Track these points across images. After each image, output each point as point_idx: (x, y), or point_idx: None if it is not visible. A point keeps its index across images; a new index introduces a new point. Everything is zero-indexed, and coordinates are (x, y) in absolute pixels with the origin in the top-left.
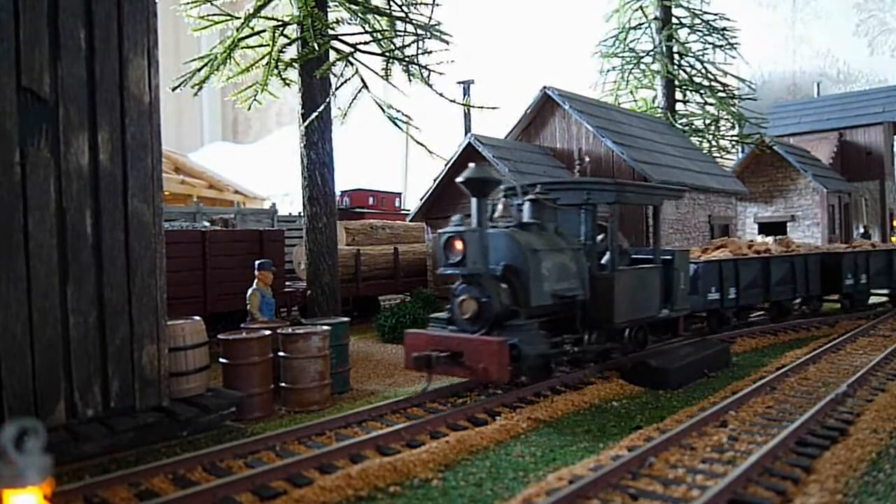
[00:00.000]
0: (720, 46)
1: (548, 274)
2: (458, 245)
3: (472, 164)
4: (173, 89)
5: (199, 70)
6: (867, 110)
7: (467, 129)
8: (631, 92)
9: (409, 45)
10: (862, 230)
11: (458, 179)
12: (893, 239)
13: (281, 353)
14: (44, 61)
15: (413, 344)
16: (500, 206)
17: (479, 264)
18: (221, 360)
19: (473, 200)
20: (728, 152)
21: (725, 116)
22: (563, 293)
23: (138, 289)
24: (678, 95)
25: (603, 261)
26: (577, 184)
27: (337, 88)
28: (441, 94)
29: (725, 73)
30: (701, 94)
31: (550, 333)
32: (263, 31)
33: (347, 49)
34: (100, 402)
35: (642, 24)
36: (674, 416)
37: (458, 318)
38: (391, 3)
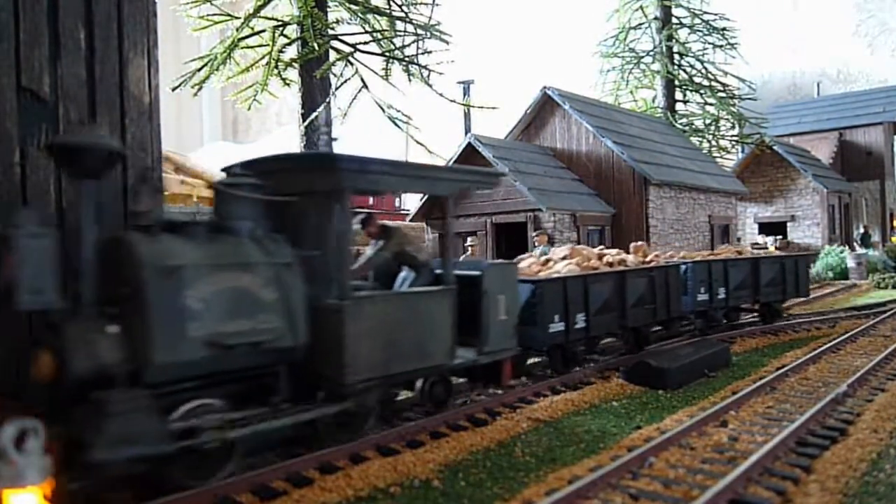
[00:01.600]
0: (720, 46)
1: (201, 308)
2: (10, 260)
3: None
4: (173, 89)
5: (199, 70)
6: (867, 110)
7: (467, 129)
8: (631, 92)
9: (409, 45)
10: (862, 230)
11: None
12: (894, 239)
13: None
14: (44, 61)
15: None
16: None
17: (50, 294)
18: None
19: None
20: (728, 152)
21: (725, 116)
22: (236, 340)
23: None
24: (678, 95)
25: (400, 282)
26: (291, 161)
27: (337, 88)
28: (441, 94)
29: (725, 73)
30: (701, 94)
31: (233, 405)
32: (263, 31)
33: (347, 49)
34: None
35: (642, 24)
36: (674, 416)
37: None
38: (391, 3)
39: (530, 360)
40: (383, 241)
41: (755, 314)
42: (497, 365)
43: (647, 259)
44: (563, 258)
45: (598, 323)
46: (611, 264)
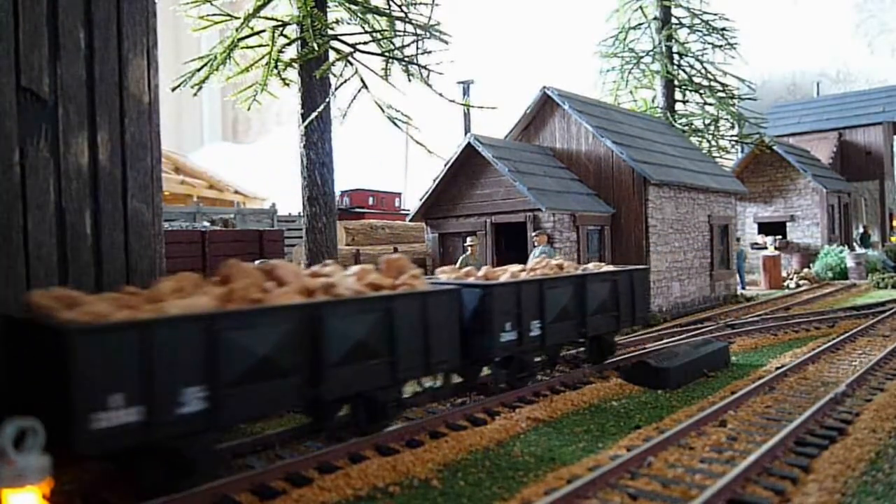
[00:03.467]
0: (720, 46)
1: None
2: None
3: None
4: (173, 89)
5: (199, 70)
6: (867, 110)
7: (467, 129)
8: (631, 92)
9: (408, 45)
10: (861, 230)
11: None
12: (893, 239)
13: None
14: (43, 61)
15: None
16: None
17: None
18: None
19: None
20: (728, 152)
21: (725, 116)
22: None
23: None
24: (678, 95)
25: None
26: None
27: (337, 88)
28: (441, 94)
29: (725, 73)
30: (700, 94)
31: None
32: (263, 31)
33: (347, 49)
34: None
35: (642, 24)
36: (673, 416)
37: None
38: (391, 3)
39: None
40: None
41: (581, 350)
42: None
43: (398, 283)
44: (222, 283)
45: (256, 398)
46: (310, 290)
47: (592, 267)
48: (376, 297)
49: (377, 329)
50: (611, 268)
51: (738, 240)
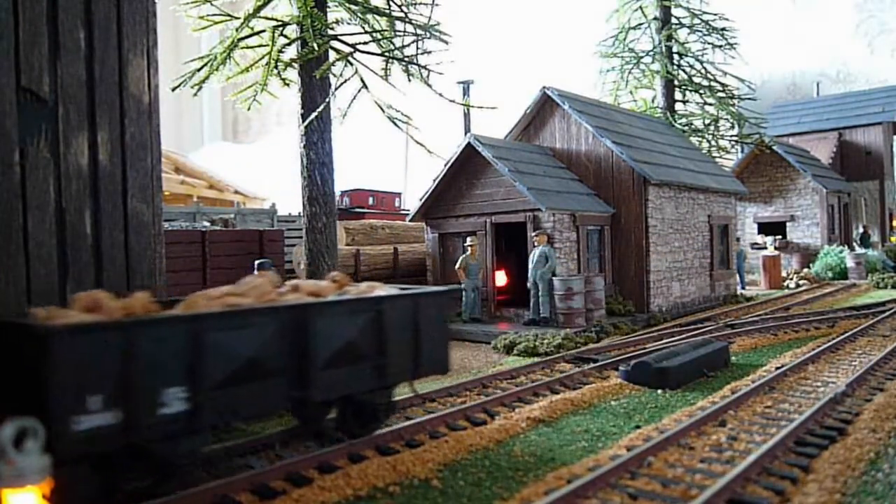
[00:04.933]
0: (720, 46)
1: None
2: None
3: None
4: (173, 89)
5: (199, 70)
6: (867, 110)
7: (467, 129)
8: (631, 92)
9: (408, 45)
10: (861, 230)
11: None
12: (893, 239)
13: None
14: (43, 61)
15: None
16: None
17: None
18: None
19: None
20: (728, 152)
21: (725, 116)
22: None
23: (138, 289)
24: (678, 95)
25: None
26: None
27: (337, 88)
28: (441, 94)
29: (725, 73)
30: (700, 94)
31: None
32: (263, 31)
33: (347, 49)
34: None
35: (642, 24)
36: (673, 416)
37: None
38: (391, 3)
39: None
40: None
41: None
42: None
43: None
44: None
45: None
46: None
47: (364, 287)
48: None
49: None
50: (384, 291)
51: (738, 240)
